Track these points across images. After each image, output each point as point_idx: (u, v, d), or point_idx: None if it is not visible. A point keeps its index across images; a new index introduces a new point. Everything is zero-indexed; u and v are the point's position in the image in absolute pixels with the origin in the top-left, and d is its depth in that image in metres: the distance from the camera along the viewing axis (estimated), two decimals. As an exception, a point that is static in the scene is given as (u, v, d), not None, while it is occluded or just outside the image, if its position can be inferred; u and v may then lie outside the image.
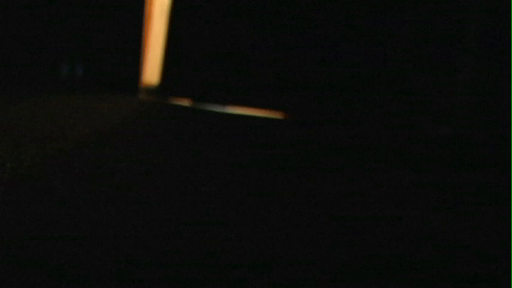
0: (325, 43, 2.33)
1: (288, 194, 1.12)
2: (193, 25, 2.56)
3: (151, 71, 3.30)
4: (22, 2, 2.38)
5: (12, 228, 0.67)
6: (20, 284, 0.32)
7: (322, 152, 1.64)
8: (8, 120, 1.51)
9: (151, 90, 2.72)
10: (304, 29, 2.34)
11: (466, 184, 1.37)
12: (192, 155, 1.38)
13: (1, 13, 2.33)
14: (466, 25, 2.13)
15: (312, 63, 2.36)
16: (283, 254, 0.78)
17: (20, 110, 1.84)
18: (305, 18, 2.36)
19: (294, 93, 2.40)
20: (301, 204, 1.07)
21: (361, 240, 0.89)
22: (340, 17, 2.31)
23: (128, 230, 0.78)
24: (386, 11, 2.23)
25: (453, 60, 2.16)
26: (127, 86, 2.66)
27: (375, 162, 1.55)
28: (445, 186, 1.33)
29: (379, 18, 2.23)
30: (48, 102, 2.00)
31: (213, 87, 2.51)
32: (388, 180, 1.32)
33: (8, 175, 0.92)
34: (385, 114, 2.22)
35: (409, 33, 2.21)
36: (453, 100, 2.15)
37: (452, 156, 1.85)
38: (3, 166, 0.95)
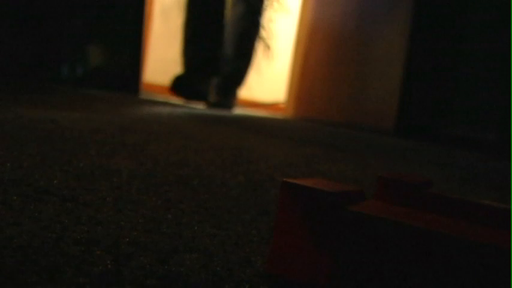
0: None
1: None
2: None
3: (151, 70, 3.31)
4: (23, 2, 2.38)
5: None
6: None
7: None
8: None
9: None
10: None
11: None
12: None
13: (2, 13, 2.32)
14: None
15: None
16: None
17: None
18: None
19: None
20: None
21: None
22: None
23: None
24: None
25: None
26: (127, 85, 2.66)
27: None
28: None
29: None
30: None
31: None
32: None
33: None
34: None
35: None
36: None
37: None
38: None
